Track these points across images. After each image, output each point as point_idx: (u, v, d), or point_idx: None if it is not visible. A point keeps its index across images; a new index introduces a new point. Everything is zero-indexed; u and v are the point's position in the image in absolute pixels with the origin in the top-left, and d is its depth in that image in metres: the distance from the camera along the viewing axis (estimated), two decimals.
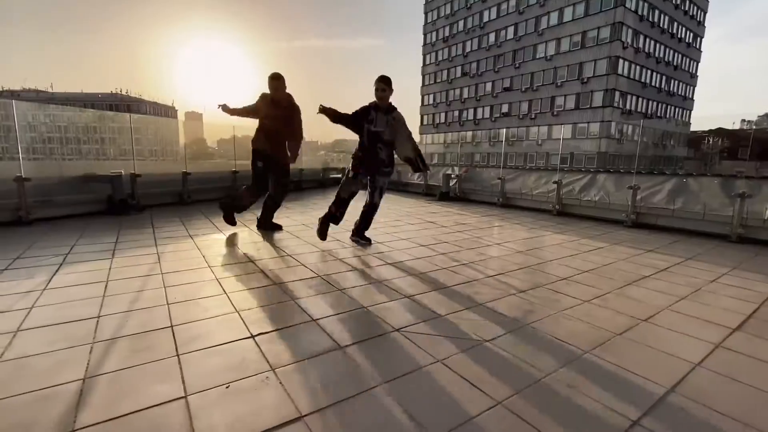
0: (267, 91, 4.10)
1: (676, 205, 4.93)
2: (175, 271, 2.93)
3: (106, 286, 2.57)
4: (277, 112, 4.10)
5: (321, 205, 6.61)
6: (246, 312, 2.22)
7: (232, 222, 4.53)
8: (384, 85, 3.70)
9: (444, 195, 7.87)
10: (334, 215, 3.91)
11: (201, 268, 3.00)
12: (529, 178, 6.98)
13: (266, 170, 4.24)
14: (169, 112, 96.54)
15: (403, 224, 5.08)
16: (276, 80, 4.05)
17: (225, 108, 4.01)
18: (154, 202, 6.11)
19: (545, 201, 6.40)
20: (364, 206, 4.05)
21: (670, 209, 4.98)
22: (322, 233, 3.90)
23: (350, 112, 3.81)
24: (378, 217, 5.44)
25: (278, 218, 4.79)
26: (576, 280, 2.95)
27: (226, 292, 2.50)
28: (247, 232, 4.37)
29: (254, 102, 4.15)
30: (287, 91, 4.16)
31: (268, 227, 4.47)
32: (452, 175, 8.02)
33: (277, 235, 4.23)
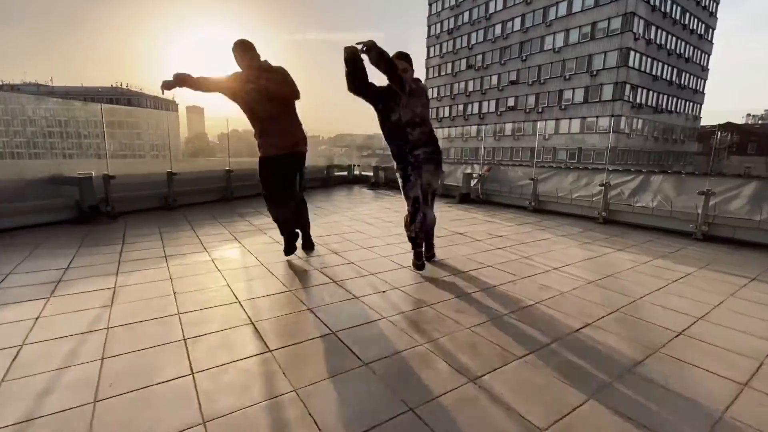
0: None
1: (763, 215, 4.03)
2: (127, 323, 2.06)
3: (15, 356, 1.71)
4: (254, 89, 2.88)
5: (326, 208, 5.73)
6: None
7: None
8: (406, 64, 2.87)
9: (464, 197, 6.98)
10: (411, 238, 3.04)
11: (167, 320, 2.13)
12: (565, 179, 6.08)
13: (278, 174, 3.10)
14: (170, 106, 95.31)
15: None
16: (238, 51, 2.86)
17: (168, 84, 2.77)
18: (132, 207, 5.23)
19: (588, 206, 5.50)
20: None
21: (753, 220, 4.08)
22: (417, 266, 3.03)
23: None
24: (393, 227, 4.57)
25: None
26: (701, 336, 2.07)
27: (193, 372, 1.63)
28: (238, 250, 3.50)
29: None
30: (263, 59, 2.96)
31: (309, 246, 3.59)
32: (473, 175, 7.12)
33: (273, 257, 3.35)
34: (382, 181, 9.62)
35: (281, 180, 3.07)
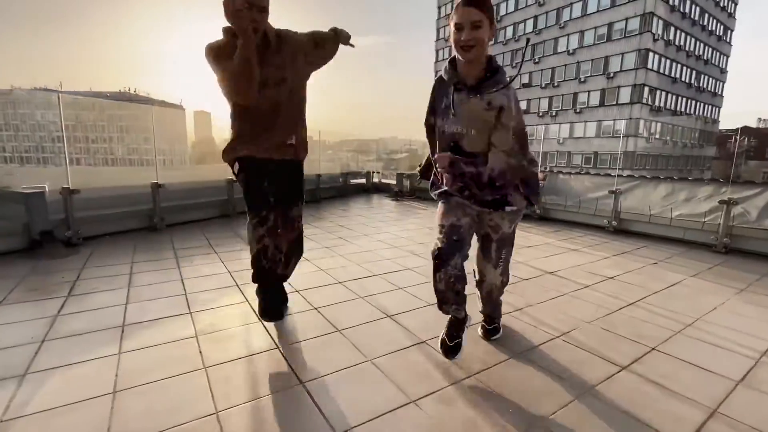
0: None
1: None
2: None
3: None
4: (273, 62, 1.81)
5: (348, 226, 4.47)
6: None
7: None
8: (477, 11, 1.43)
9: None
10: (439, 293, 1.69)
11: None
12: (654, 192, 4.79)
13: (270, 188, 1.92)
14: (177, 111, 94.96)
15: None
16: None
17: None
18: (105, 230, 4.01)
19: (697, 229, 4.20)
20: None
21: None
22: (446, 348, 1.72)
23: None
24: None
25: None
26: None
27: None
28: (238, 313, 2.25)
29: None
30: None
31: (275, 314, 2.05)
32: None
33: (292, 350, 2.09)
34: (407, 190, 8.37)
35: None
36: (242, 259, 3.25)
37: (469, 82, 1.57)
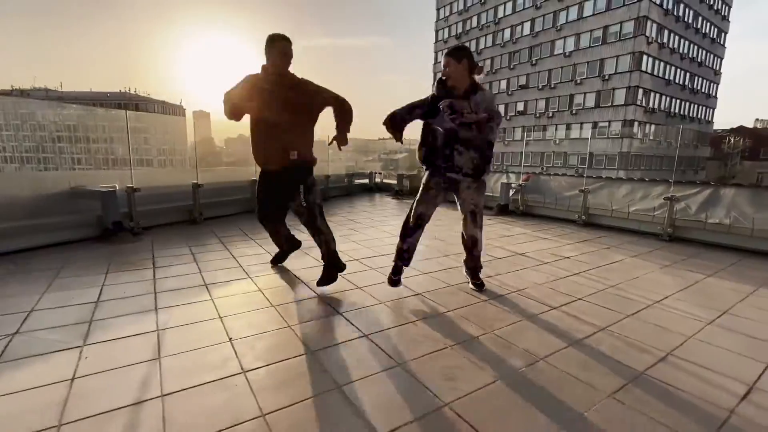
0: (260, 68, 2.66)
1: None
2: (184, 388, 1.65)
3: (62, 413, 1.30)
4: (286, 95, 2.62)
5: (356, 220, 5.30)
6: None
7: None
8: (448, 58, 2.54)
9: (503, 209, 6.54)
10: (400, 250, 2.82)
11: (230, 382, 1.71)
12: (617, 190, 5.63)
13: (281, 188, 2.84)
14: (177, 111, 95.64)
15: (485, 259, 3.76)
16: (284, 41, 2.59)
17: None
18: (156, 222, 4.85)
19: (649, 221, 5.05)
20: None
21: None
22: (391, 278, 2.90)
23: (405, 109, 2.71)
24: (441, 244, 4.12)
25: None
26: None
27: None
28: (285, 277, 3.09)
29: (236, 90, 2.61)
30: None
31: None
32: (512, 185, 6.69)
33: (329, 288, 2.93)
34: (407, 189, 9.20)
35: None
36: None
37: (458, 93, 2.54)
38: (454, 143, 2.54)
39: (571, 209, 5.86)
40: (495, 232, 4.97)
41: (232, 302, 2.57)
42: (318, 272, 2.91)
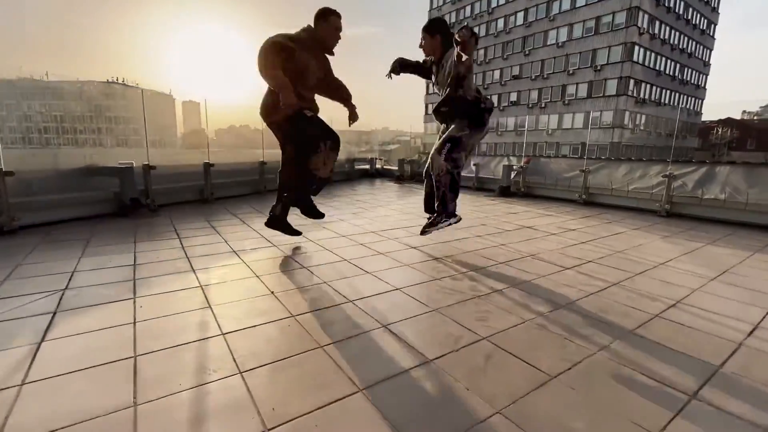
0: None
1: None
2: (244, 327, 1.78)
3: (135, 365, 1.43)
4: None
5: (363, 200, 5.43)
6: None
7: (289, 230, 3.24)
8: (424, 33, 3.00)
9: (505, 190, 6.71)
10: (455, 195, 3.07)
11: (288, 324, 1.85)
12: (616, 171, 5.83)
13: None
14: (167, 101, 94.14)
15: (495, 231, 3.93)
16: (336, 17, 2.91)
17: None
18: (171, 200, 4.93)
19: (647, 199, 5.25)
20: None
21: None
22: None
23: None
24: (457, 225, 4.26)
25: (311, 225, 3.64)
26: None
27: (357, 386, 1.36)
28: (310, 245, 3.22)
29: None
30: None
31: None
32: (514, 167, 6.85)
33: (352, 252, 3.07)
34: (407, 174, 9.33)
35: None
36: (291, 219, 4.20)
37: (435, 60, 3.04)
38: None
39: (571, 189, 6.05)
40: (500, 210, 5.14)
41: (264, 265, 2.70)
42: (333, 243, 3.04)
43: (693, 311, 2.09)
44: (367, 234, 3.63)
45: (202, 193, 5.29)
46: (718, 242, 3.70)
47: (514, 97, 45.78)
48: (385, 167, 10.56)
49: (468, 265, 2.80)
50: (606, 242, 3.57)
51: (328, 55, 3.02)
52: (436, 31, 2.91)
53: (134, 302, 2.02)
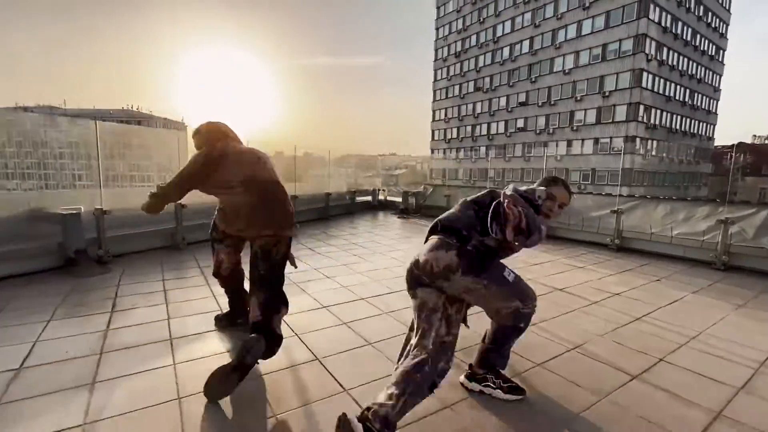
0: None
1: None
2: None
3: None
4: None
5: (361, 244, 4.65)
6: None
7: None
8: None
9: None
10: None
11: None
12: (654, 211, 5.00)
13: None
14: (179, 128, 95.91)
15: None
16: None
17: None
18: (132, 248, 4.19)
19: (697, 247, 4.40)
20: None
21: None
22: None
23: None
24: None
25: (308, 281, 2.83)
26: None
27: None
28: None
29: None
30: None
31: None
32: None
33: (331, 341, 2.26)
34: (412, 208, 8.59)
35: None
36: None
37: None
38: None
39: (601, 231, 5.21)
40: (521, 259, 4.31)
41: (198, 370, 1.90)
42: (312, 319, 2.24)
43: None
44: (356, 303, 2.84)
45: (174, 237, 4.57)
46: None
47: (521, 123, 45.53)
48: (388, 198, 9.85)
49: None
50: (667, 317, 2.72)
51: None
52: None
53: None
